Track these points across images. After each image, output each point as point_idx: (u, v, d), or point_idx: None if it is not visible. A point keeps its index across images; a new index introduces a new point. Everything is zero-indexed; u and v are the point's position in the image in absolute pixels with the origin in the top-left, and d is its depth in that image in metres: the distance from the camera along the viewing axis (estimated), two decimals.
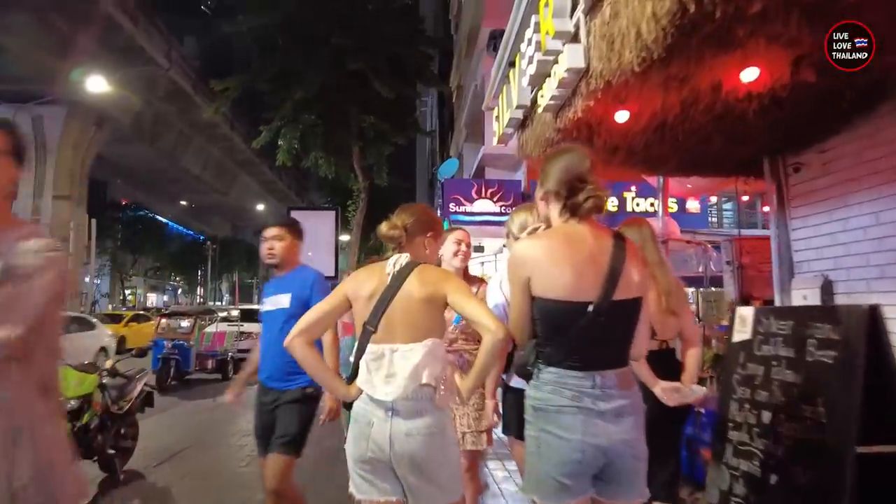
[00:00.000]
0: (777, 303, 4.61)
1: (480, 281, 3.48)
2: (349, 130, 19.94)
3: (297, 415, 2.99)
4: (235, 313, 14.09)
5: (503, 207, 13.22)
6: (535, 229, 2.07)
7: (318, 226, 15.33)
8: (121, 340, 16.66)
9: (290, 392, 3.01)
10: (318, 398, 3.09)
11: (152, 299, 55.24)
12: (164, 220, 50.91)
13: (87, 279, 24.69)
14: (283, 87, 18.47)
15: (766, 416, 2.66)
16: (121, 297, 43.86)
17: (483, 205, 13.19)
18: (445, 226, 12.78)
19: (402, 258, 2.03)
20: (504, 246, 12.62)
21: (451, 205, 13.12)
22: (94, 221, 24.21)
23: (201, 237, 52.70)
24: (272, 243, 3.15)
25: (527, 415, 1.81)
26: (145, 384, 5.24)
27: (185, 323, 12.10)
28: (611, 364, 1.76)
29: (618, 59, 2.83)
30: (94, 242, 24.23)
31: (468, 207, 13.13)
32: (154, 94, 26.40)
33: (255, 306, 21.78)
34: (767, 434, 2.62)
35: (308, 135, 19.86)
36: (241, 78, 19.07)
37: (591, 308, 1.70)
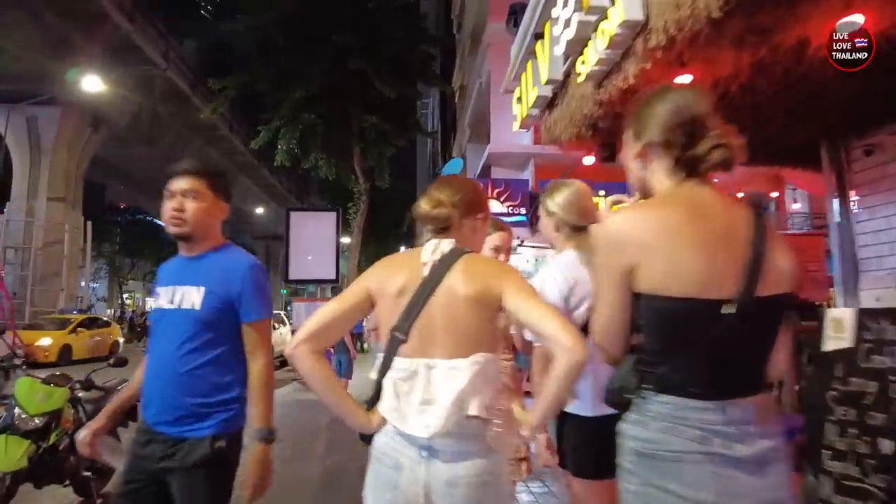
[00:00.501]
0: (840, 306, 4.08)
1: None
2: (350, 131, 19.53)
3: (205, 493, 1.83)
4: None
5: (510, 208, 12.73)
6: (618, 202, 1.53)
7: (319, 227, 14.83)
8: (64, 350, 15.05)
9: (194, 447, 1.82)
10: (234, 456, 1.93)
11: (151, 303, 54.64)
12: (161, 223, 50.34)
13: (82, 283, 24.13)
14: (283, 87, 18.11)
15: (887, 446, 2.12)
16: (119, 302, 43.30)
17: (489, 204, 12.64)
18: None
19: (444, 244, 1.50)
20: (521, 243, 12.11)
21: None
22: (89, 224, 23.67)
23: None
24: (181, 201, 1.95)
25: (625, 460, 1.26)
26: None
27: None
28: (746, 389, 1.22)
29: (690, 6, 2.31)
30: (89, 245, 23.70)
31: None
32: (151, 95, 25.86)
33: None
34: (890, 468, 2.09)
35: (307, 135, 19.44)
36: (239, 77, 18.66)
37: (728, 308, 1.16)
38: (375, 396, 1.49)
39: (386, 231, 36.24)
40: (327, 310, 1.49)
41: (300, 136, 19.04)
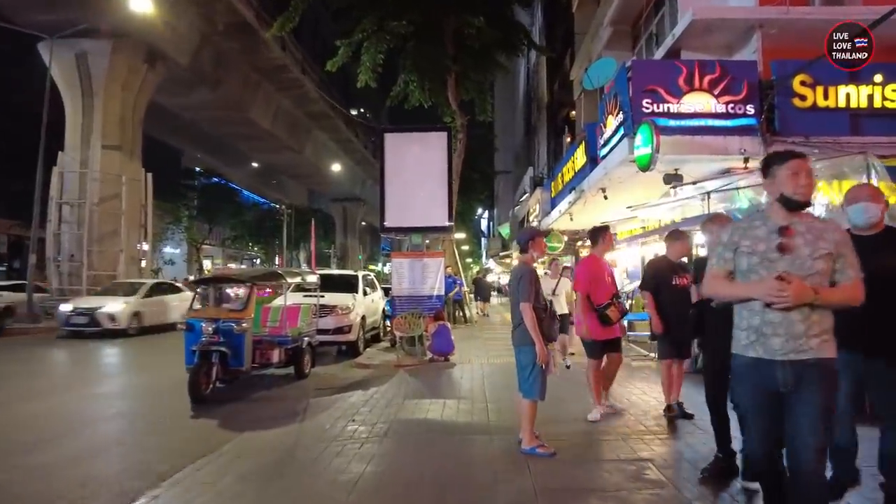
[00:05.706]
0: None
1: None
2: (444, 48, 15.34)
3: None
4: (313, 279, 9.42)
5: (730, 105, 8.04)
6: None
7: (425, 155, 10.70)
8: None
9: None
10: None
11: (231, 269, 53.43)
12: (238, 187, 48.53)
13: (144, 244, 21.14)
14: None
15: None
16: (197, 267, 41.71)
17: (697, 100, 8.07)
18: (649, 134, 7.63)
19: None
20: (745, 160, 7.45)
21: (646, 101, 8.05)
22: (149, 176, 20.69)
23: (277, 205, 49.88)
24: None
25: None
26: None
27: (240, 291, 7.75)
28: None
29: None
30: (150, 201, 20.70)
31: (673, 106, 8.07)
32: (214, 29, 22.46)
33: (338, 271, 17.57)
34: None
35: (396, 51, 15.41)
36: None
37: None
38: None
39: (471, 185, 31.69)
40: None
41: (387, 53, 14.95)
